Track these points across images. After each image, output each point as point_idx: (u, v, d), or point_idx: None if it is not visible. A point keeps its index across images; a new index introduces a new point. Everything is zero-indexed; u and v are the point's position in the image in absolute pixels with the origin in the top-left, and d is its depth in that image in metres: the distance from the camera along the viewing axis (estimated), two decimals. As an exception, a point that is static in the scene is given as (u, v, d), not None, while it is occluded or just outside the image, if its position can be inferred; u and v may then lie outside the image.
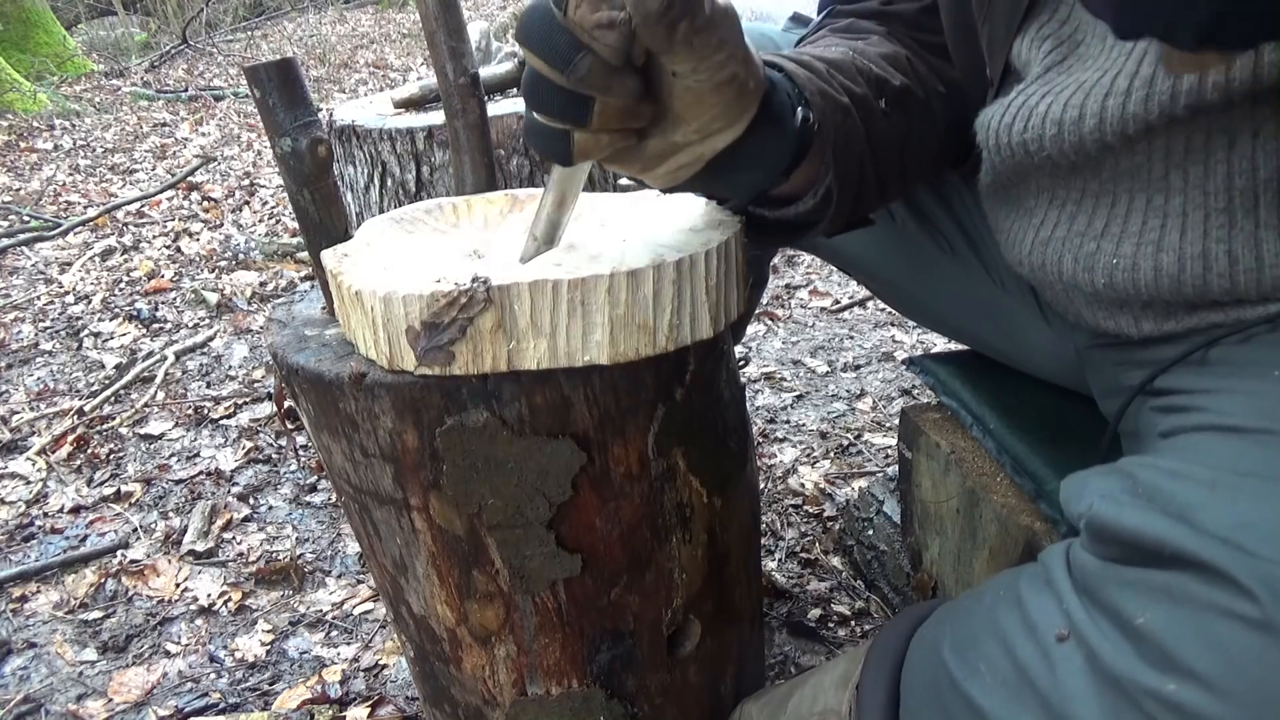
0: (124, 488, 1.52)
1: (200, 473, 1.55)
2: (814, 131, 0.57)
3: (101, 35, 7.72)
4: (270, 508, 1.45)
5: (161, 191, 3.38)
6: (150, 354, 2.04)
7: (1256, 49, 0.48)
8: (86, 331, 2.22)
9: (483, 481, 0.59)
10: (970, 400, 0.91)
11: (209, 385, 1.90)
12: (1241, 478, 0.44)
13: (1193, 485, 0.45)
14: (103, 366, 2.02)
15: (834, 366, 1.80)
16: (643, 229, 0.63)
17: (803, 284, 2.25)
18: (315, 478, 1.52)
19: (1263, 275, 0.53)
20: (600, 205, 0.70)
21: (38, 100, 5.19)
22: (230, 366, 1.98)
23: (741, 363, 1.83)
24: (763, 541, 1.24)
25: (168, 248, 2.81)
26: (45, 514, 1.47)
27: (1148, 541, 0.44)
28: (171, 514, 1.45)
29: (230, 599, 1.23)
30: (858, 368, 1.79)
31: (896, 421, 1.15)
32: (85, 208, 3.34)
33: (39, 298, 2.45)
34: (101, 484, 1.55)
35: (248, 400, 1.80)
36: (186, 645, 1.16)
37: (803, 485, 1.38)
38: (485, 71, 1.44)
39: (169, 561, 1.32)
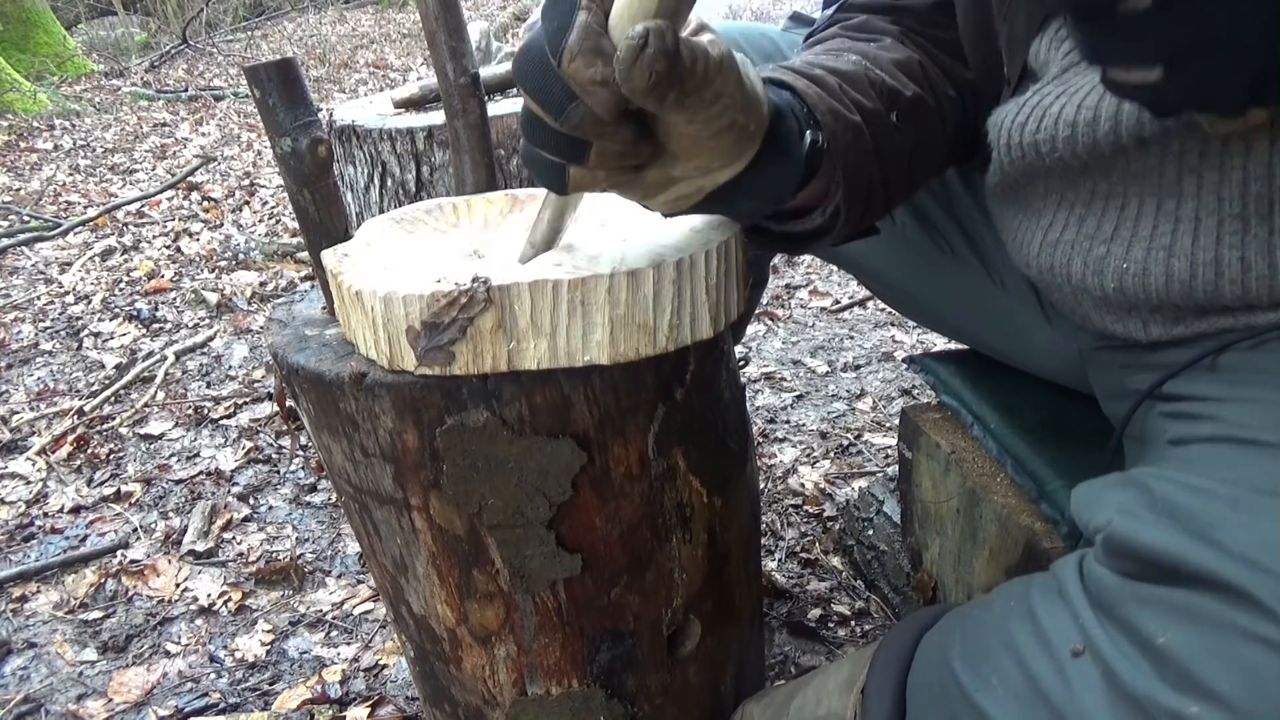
0: (124, 488, 1.52)
1: (200, 473, 1.55)
2: (824, 152, 0.56)
3: (101, 35, 7.71)
4: (270, 508, 1.45)
5: (161, 191, 3.38)
6: (150, 354, 2.04)
7: None
8: (86, 331, 2.22)
9: (483, 481, 0.59)
10: (971, 399, 0.91)
11: (209, 385, 1.90)
12: (1264, 496, 0.44)
13: (1214, 502, 0.45)
14: (103, 366, 2.02)
15: (834, 366, 1.80)
16: (643, 229, 0.63)
17: (803, 284, 2.25)
18: (315, 478, 1.52)
19: (1275, 281, 0.53)
20: (600, 205, 0.70)
21: (38, 100, 5.19)
22: (230, 366, 1.98)
23: (741, 363, 1.83)
24: (763, 541, 1.24)
25: (168, 248, 2.81)
26: (45, 514, 1.47)
27: (1168, 560, 0.43)
28: (171, 514, 1.45)
29: (230, 599, 1.23)
30: (858, 368, 1.79)
31: (896, 421, 1.15)
32: (85, 208, 3.34)
33: (39, 298, 2.45)
34: (101, 484, 1.55)
35: (248, 400, 1.80)
36: (186, 645, 1.16)
37: (803, 485, 1.38)
38: (485, 71, 1.44)
39: (169, 561, 1.32)
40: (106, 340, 2.17)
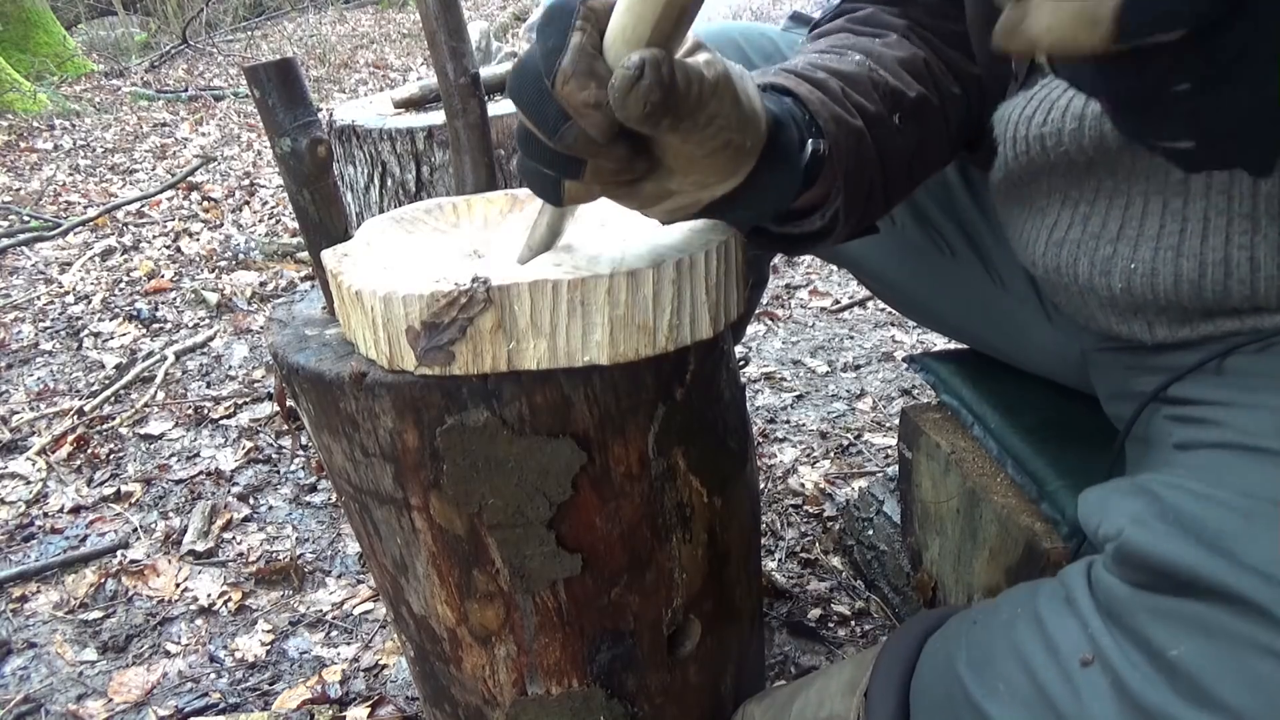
0: (124, 488, 1.52)
1: (200, 473, 1.55)
2: (825, 158, 0.56)
3: (101, 35, 7.71)
4: (270, 508, 1.45)
5: (161, 191, 3.38)
6: (150, 354, 2.04)
7: None
8: (86, 331, 2.22)
9: (483, 481, 0.59)
10: (971, 399, 0.91)
11: (209, 385, 1.90)
12: (1276, 507, 0.44)
13: (1226, 513, 0.44)
14: (103, 366, 2.02)
15: (834, 366, 1.80)
16: (642, 229, 0.63)
17: (803, 284, 2.25)
18: (315, 478, 1.52)
19: None
20: (600, 205, 0.70)
21: (38, 100, 5.19)
22: (230, 366, 1.98)
23: (741, 363, 1.83)
24: (763, 541, 1.24)
25: (168, 248, 2.81)
26: (45, 514, 1.47)
27: (1181, 571, 0.43)
28: (171, 514, 1.45)
29: (230, 599, 1.23)
30: (858, 368, 1.79)
31: (896, 421, 1.15)
32: (85, 208, 3.34)
33: (39, 298, 2.45)
34: (101, 484, 1.55)
35: (248, 400, 1.80)
36: (186, 645, 1.16)
37: (803, 485, 1.38)
38: (485, 71, 1.44)
39: (169, 561, 1.32)
40: (106, 340, 2.17)
